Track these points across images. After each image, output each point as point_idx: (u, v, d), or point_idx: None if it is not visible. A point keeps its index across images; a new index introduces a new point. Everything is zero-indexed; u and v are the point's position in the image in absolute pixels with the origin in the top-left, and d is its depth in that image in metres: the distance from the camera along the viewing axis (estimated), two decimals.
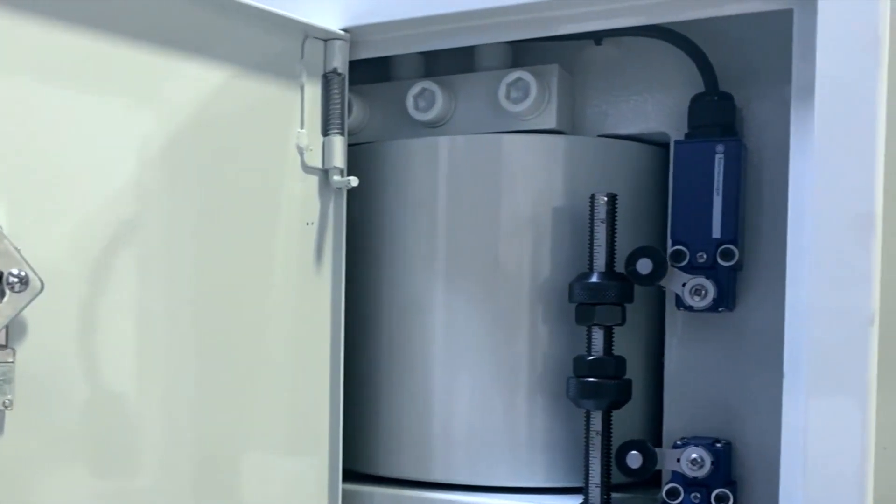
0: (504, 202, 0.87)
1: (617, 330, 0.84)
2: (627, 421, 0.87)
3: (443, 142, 0.88)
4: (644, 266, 0.80)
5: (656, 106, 0.87)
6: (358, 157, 0.91)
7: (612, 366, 0.82)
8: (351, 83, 0.88)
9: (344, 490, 0.88)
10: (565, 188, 0.86)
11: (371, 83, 0.94)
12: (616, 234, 0.82)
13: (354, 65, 0.86)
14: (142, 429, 0.73)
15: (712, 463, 0.80)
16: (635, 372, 0.86)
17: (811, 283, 0.68)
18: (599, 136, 0.89)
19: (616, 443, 0.83)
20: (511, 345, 0.87)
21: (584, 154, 0.87)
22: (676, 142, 0.81)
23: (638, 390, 0.87)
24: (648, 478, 0.89)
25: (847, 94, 0.67)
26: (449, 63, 0.93)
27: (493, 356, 0.87)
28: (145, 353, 0.73)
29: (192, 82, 0.75)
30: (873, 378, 0.67)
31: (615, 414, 0.84)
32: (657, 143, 0.89)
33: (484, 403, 0.87)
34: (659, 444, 0.86)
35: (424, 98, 0.89)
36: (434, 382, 0.88)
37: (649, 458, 0.82)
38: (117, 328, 0.71)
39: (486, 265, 0.87)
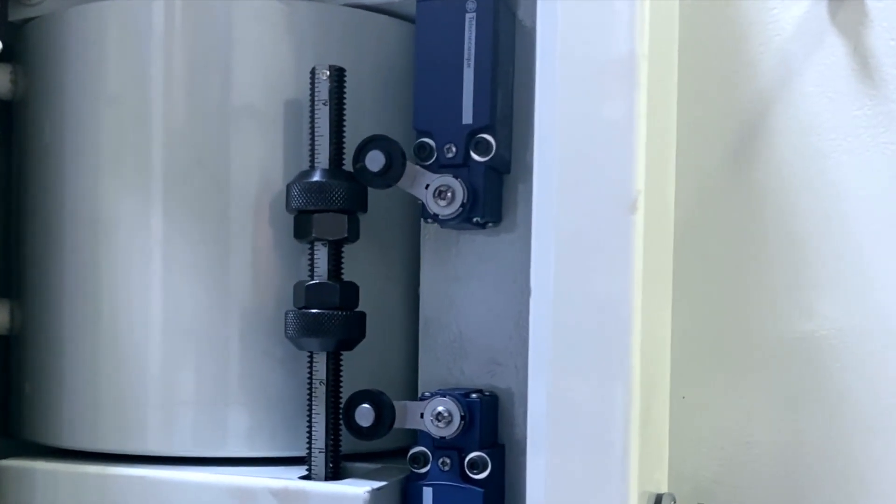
0: (221, 85, 0.67)
1: (358, 248, 0.65)
2: (377, 367, 0.68)
3: (151, 6, 0.67)
4: (374, 161, 0.61)
5: None
6: (39, 33, 0.71)
7: (336, 293, 0.63)
8: None
9: (9, 468, 0.69)
10: (299, 69, 0.67)
11: None
12: (345, 120, 0.63)
13: None
14: None
15: (462, 418, 0.62)
16: (385, 303, 0.68)
17: (559, 162, 0.50)
18: (345, 5, 0.70)
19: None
20: (225, 273, 0.67)
21: (325, 26, 0.68)
22: (419, 0, 0.63)
23: (391, 327, 0.69)
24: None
25: None
26: None
27: (202, 288, 0.67)
28: None
29: None
30: (637, 290, 0.49)
31: (347, 358, 0.65)
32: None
33: (189, 349, 0.67)
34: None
35: None
36: (129, 324, 0.68)
37: (385, 414, 0.63)
38: None
39: (197, 166, 0.67)
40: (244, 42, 0.68)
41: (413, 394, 0.70)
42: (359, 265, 0.66)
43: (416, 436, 0.66)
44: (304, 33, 0.68)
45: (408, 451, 0.71)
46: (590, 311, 0.49)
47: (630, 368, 0.48)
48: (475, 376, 0.67)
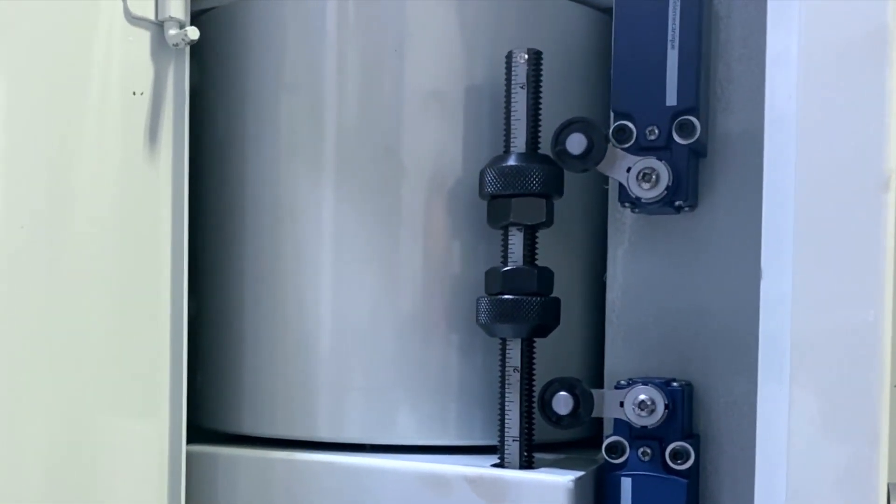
0: (404, 72, 0.67)
1: (544, 234, 0.64)
2: (558, 356, 0.67)
3: None
4: (576, 143, 0.60)
5: None
6: (216, 24, 0.71)
7: (533, 278, 0.62)
8: None
9: (192, 453, 0.69)
10: (483, 56, 0.66)
11: None
12: (541, 104, 0.62)
13: None
14: None
15: (666, 406, 0.60)
16: (569, 291, 0.67)
17: (797, 142, 0.48)
18: None
19: (542, 383, 0.63)
20: (411, 260, 0.67)
21: (509, 13, 0.67)
22: None
23: (573, 315, 0.67)
24: (591, 435, 0.70)
25: None
26: None
27: (388, 275, 0.66)
28: None
29: None
30: (890, 271, 0.47)
31: (540, 345, 0.64)
32: (602, 9, 0.70)
33: (375, 338, 0.67)
34: (601, 386, 0.66)
35: None
36: (313, 312, 0.68)
37: (583, 402, 0.62)
38: None
39: (381, 155, 0.67)
40: (420, 28, 0.67)
41: (594, 383, 0.69)
42: (546, 251, 0.65)
43: (604, 425, 0.65)
44: (479, 18, 0.67)
45: (582, 442, 0.70)
46: (836, 293, 0.47)
47: (882, 357, 0.46)
48: (664, 365, 0.65)
